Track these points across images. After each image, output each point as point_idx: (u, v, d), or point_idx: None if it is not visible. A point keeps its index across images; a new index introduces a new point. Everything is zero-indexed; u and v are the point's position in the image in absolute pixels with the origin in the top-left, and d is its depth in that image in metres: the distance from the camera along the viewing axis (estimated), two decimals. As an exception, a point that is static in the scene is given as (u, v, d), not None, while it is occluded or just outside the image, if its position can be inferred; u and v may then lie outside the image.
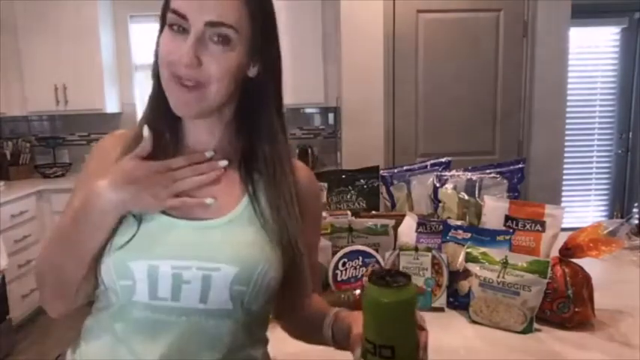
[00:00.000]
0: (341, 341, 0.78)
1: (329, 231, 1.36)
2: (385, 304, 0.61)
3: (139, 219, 0.72)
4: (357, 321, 0.72)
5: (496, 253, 1.17)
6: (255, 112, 0.79)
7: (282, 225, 0.76)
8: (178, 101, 0.72)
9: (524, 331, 1.11)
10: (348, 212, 1.53)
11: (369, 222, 1.38)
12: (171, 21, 0.70)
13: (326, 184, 1.63)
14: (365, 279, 0.64)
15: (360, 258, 1.29)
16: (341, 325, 0.78)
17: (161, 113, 0.76)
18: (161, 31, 0.74)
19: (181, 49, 0.69)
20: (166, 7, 0.72)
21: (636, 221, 1.81)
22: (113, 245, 0.71)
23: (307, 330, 0.87)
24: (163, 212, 0.73)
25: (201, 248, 0.72)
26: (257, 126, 0.79)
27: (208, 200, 0.75)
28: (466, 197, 1.47)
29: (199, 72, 0.70)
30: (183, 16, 0.69)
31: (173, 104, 0.73)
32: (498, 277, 1.13)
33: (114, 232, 0.71)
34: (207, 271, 0.71)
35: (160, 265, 0.70)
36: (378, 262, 1.29)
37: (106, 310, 0.75)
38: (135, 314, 0.72)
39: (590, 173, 4.26)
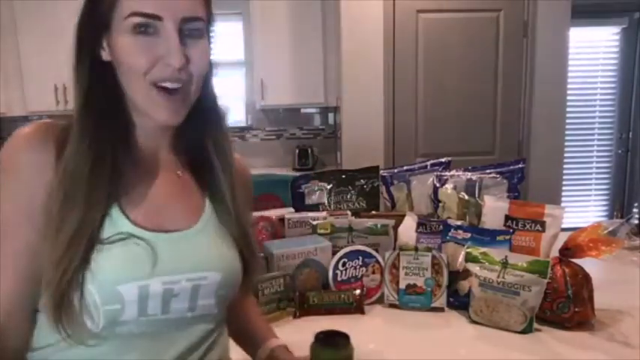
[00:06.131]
0: None
1: (329, 231, 1.36)
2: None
3: (116, 239, 0.67)
4: None
5: (496, 253, 1.16)
6: (203, 100, 0.74)
7: (240, 221, 0.77)
8: (167, 111, 0.68)
9: (524, 331, 1.11)
10: (348, 212, 1.53)
11: (369, 222, 1.38)
12: (139, 22, 0.65)
13: (326, 184, 1.63)
14: (312, 342, 0.75)
15: (360, 258, 1.29)
16: None
17: (102, 114, 0.69)
18: (97, 40, 0.68)
19: (166, 51, 0.65)
20: (112, 11, 0.66)
21: (636, 221, 1.81)
22: (95, 270, 0.64)
23: (238, 334, 0.89)
24: (137, 226, 0.69)
25: (187, 260, 0.71)
26: (205, 115, 0.76)
27: None
28: (466, 197, 1.47)
29: (186, 71, 0.67)
30: (156, 17, 0.65)
31: (160, 116, 0.69)
32: (498, 277, 1.13)
33: (87, 256, 0.64)
34: (195, 282, 0.70)
35: (151, 284, 0.67)
36: (378, 261, 1.29)
37: (77, 335, 0.66)
38: (117, 331, 0.67)
39: (590, 173, 4.26)
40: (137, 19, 0.65)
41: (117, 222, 0.68)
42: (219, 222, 0.76)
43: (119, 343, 0.68)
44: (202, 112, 0.75)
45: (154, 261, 0.68)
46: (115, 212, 0.68)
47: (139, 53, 0.66)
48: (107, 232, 0.66)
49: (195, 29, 0.68)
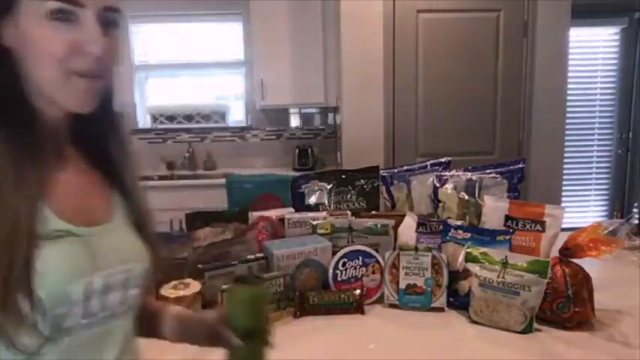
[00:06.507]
0: (185, 337, 0.85)
1: (329, 231, 1.36)
2: (246, 296, 0.79)
3: (53, 236, 0.63)
4: (207, 316, 0.82)
5: (496, 253, 1.17)
6: (103, 96, 0.73)
7: (143, 213, 0.78)
8: (79, 96, 0.66)
9: (524, 331, 1.11)
10: (348, 212, 1.53)
11: (369, 222, 1.39)
12: (58, 7, 0.62)
13: (326, 184, 1.64)
14: (231, 285, 0.84)
15: (360, 258, 1.29)
16: (190, 324, 0.84)
17: (6, 104, 0.65)
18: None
19: (86, 39, 0.63)
20: None
21: (636, 221, 1.81)
22: (40, 272, 0.60)
23: (142, 324, 0.84)
24: (67, 221, 0.65)
25: (117, 252, 0.70)
26: (105, 109, 0.74)
27: None
28: (466, 197, 1.47)
29: (104, 60, 0.66)
30: (77, 3, 0.62)
31: (71, 103, 0.66)
32: (498, 277, 1.13)
33: (29, 256, 0.60)
34: (126, 274, 0.71)
35: (93, 280, 0.66)
36: (378, 261, 1.29)
37: (23, 346, 0.61)
38: (60, 338, 0.63)
39: (590, 173, 4.26)
40: (55, 5, 0.62)
41: (49, 219, 0.64)
42: (128, 214, 0.77)
43: (62, 350, 0.65)
44: (102, 107, 0.73)
45: (92, 256, 0.66)
46: (45, 209, 0.64)
47: (55, 39, 0.63)
48: (40, 230, 0.62)
49: (113, 20, 0.67)
